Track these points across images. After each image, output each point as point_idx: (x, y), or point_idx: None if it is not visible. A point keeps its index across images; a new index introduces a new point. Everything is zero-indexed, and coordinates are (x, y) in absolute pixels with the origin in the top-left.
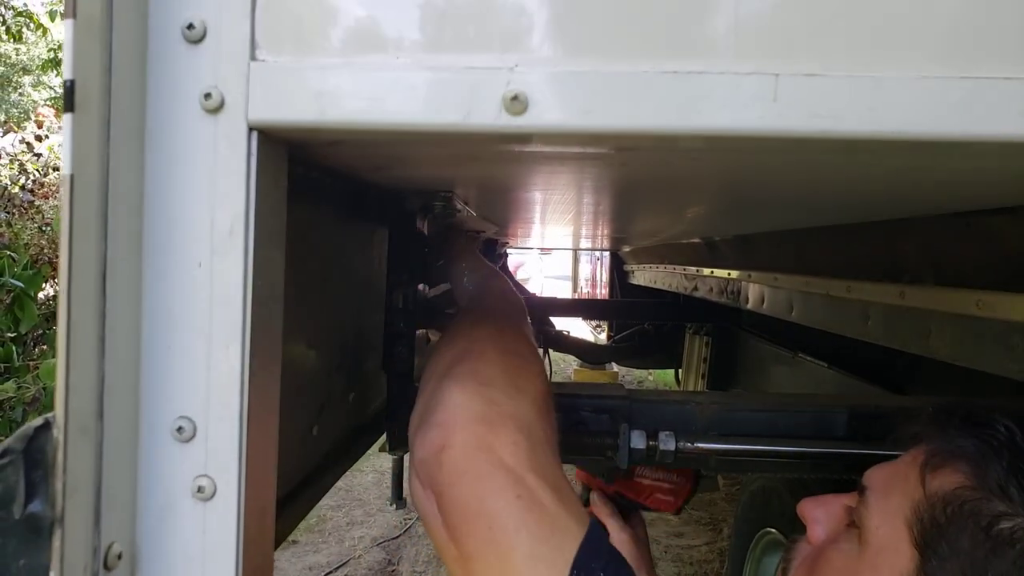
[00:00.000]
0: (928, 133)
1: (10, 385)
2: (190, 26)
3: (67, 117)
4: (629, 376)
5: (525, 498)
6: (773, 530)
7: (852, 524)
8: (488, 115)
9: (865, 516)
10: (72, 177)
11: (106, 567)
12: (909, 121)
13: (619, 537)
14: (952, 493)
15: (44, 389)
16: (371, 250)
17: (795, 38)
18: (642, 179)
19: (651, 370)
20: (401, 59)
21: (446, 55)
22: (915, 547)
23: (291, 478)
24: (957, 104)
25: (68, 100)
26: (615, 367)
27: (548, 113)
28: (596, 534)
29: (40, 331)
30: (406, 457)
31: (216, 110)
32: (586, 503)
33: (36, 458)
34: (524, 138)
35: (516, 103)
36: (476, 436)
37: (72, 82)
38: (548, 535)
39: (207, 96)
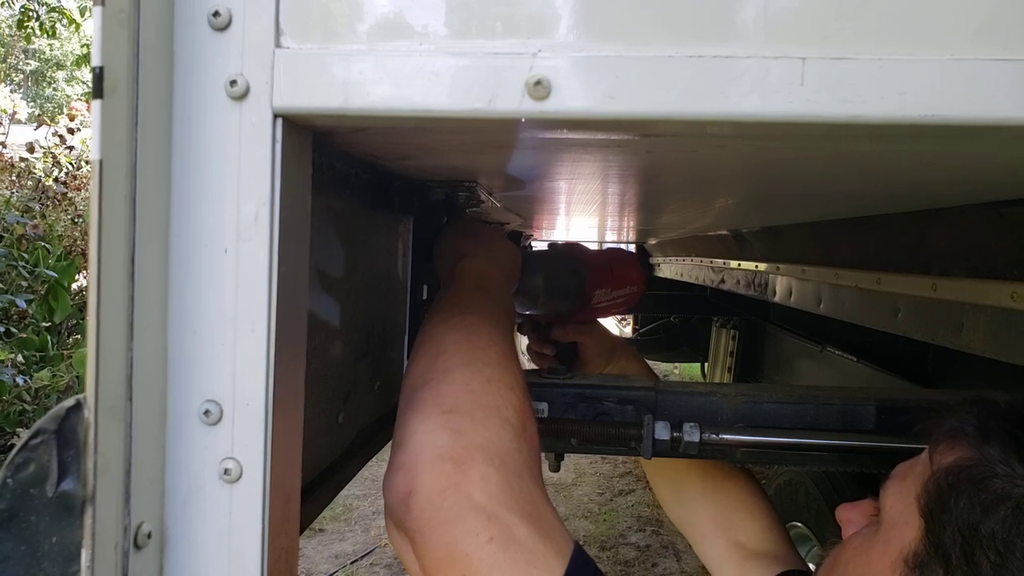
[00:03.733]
0: (962, 117)
1: (45, 374)
2: (216, 13)
3: (96, 103)
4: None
5: (498, 539)
6: (799, 524)
7: (877, 515)
8: (511, 101)
9: (883, 498)
10: (101, 162)
11: (136, 546)
12: (942, 105)
13: (602, 332)
14: (954, 464)
15: (77, 378)
16: (396, 241)
17: (823, 21)
18: (668, 167)
19: (677, 364)
20: (425, 45)
21: (470, 41)
22: (922, 516)
23: (317, 464)
24: (993, 87)
25: (97, 86)
26: None
27: (571, 98)
28: (579, 563)
29: (74, 321)
30: None
31: (241, 97)
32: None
33: (68, 438)
34: (547, 124)
35: (539, 88)
36: (443, 476)
37: (101, 69)
38: (524, 575)
39: (232, 83)
